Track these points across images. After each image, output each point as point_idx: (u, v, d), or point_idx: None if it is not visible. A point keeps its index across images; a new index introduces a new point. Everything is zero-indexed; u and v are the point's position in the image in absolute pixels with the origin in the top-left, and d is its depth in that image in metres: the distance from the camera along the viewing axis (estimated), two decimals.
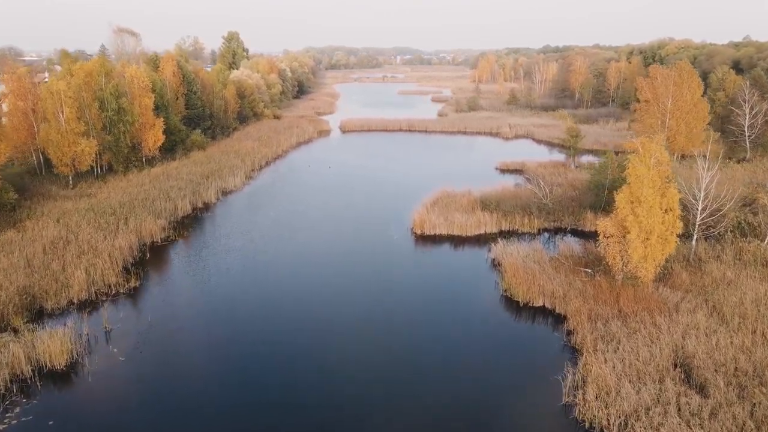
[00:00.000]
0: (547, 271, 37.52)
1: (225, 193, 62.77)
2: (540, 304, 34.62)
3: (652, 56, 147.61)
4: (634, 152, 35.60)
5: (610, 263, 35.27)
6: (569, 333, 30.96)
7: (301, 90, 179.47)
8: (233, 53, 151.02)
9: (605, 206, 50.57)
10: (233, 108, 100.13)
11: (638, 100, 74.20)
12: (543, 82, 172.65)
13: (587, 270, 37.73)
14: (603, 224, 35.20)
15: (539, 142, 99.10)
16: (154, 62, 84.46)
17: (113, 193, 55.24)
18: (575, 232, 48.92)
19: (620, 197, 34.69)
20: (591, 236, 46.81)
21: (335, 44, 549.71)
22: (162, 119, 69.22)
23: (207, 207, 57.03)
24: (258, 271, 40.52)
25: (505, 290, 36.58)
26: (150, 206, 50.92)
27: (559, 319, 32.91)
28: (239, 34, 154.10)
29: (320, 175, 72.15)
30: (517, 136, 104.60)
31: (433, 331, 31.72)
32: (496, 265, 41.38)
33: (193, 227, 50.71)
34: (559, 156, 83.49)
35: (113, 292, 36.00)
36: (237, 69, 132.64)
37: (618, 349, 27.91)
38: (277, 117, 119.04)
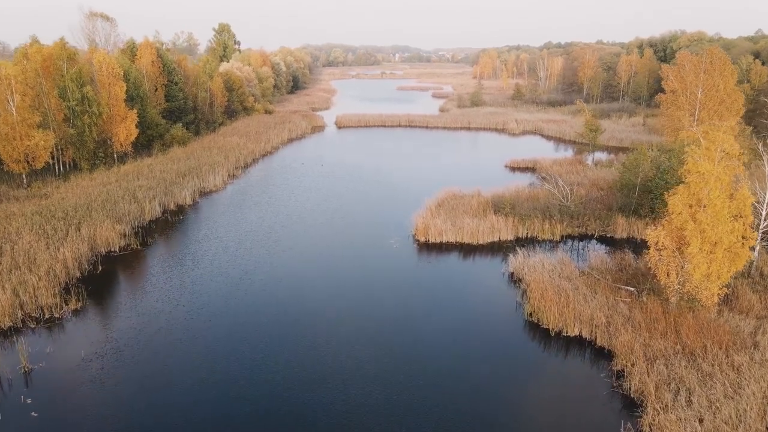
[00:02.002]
0: (581, 290, 30.63)
1: (203, 193, 55.81)
2: (575, 333, 27.72)
3: (663, 49, 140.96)
4: (694, 143, 28.67)
5: (662, 282, 28.38)
6: (619, 375, 24.08)
7: (296, 85, 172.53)
8: (224, 46, 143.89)
9: (637, 209, 43.80)
10: (220, 101, 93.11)
11: (662, 91, 67.44)
12: (548, 77, 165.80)
13: (630, 289, 30.85)
14: (654, 233, 28.27)
15: (549, 138, 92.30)
16: (131, 50, 77.37)
17: (71, 193, 48.21)
18: (604, 240, 42.05)
19: (676, 200, 27.79)
20: (624, 244, 40.12)
21: (333, 42, 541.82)
22: (135, 111, 62.19)
23: (180, 209, 50.06)
24: (230, 288, 33.56)
25: (530, 314, 29.68)
26: (111, 209, 43.91)
27: (603, 354, 26.02)
28: (230, 26, 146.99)
29: (311, 174, 65.21)
30: (524, 132, 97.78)
31: (441, 370, 24.82)
32: (515, 281, 34.49)
33: (160, 233, 43.74)
34: (573, 153, 76.66)
35: (46, 317, 29.04)
36: (228, 62, 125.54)
37: (691, 401, 21.03)
38: (268, 112, 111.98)
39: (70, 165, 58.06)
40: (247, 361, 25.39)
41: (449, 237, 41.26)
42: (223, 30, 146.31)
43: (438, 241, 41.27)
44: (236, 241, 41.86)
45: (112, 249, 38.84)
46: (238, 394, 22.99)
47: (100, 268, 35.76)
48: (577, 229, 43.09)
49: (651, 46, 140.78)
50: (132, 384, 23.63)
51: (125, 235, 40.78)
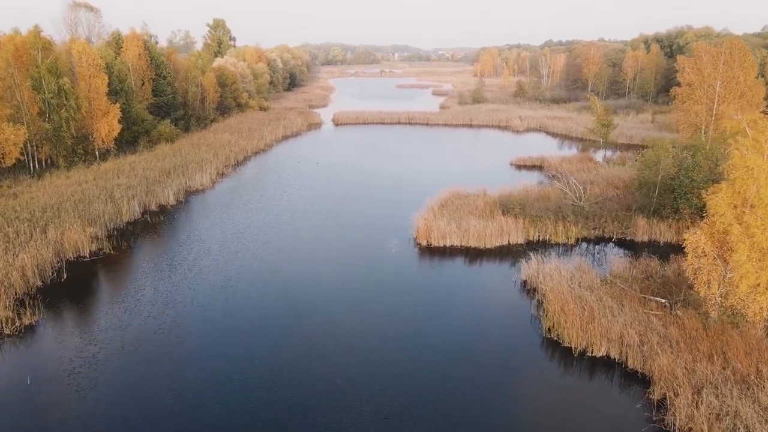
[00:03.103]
0: (605, 302, 26.93)
1: (189, 192, 52.05)
2: (602, 353, 24.00)
3: (669, 45, 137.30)
4: (737, 134, 24.98)
5: (701, 293, 24.68)
6: (660, 406, 20.36)
7: (293, 83, 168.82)
8: (219, 42, 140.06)
9: (658, 210, 40.11)
10: (212, 97, 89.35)
11: (671, 87, 63.87)
12: (551, 74, 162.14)
13: (660, 300, 27.15)
14: (693, 238, 24.56)
15: (554, 135, 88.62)
16: (117, 42, 73.59)
17: (43, 192, 44.44)
18: (623, 243, 38.35)
19: (718, 200, 24.10)
20: (646, 248, 36.45)
21: (332, 42, 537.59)
22: (118, 106, 58.46)
23: (163, 210, 46.32)
24: (209, 298, 29.81)
25: (548, 330, 25.97)
26: (84, 210, 40.17)
27: (636, 380, 22.32)
28: (225, 21, 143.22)
29: (305, 173, 61.50)
30: (528, 129, 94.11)
31: (444, 396, 21.10)
32: (529, 290, 30.78)
33: (137, 236, 40.02)
34: (582, 150, 72.99)
35: None
36: (222, 58, 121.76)
37: None
38: (263, 108, 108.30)
39: (46, 163, 54.30)
40: (220, 387, 21.65)
41: (453, 240, 37.56)
42: (217, 25, 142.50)
43: (441, 244, 37.57)
44: (220, 243, 38.15)
45: (82, 254, 35.09)
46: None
47: (65, 275, 32.00)
48: (593, 231, 39.40)
49: (657, 41, 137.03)
50: (84, 416, 19.88)
51: (97, 239, 37.04)
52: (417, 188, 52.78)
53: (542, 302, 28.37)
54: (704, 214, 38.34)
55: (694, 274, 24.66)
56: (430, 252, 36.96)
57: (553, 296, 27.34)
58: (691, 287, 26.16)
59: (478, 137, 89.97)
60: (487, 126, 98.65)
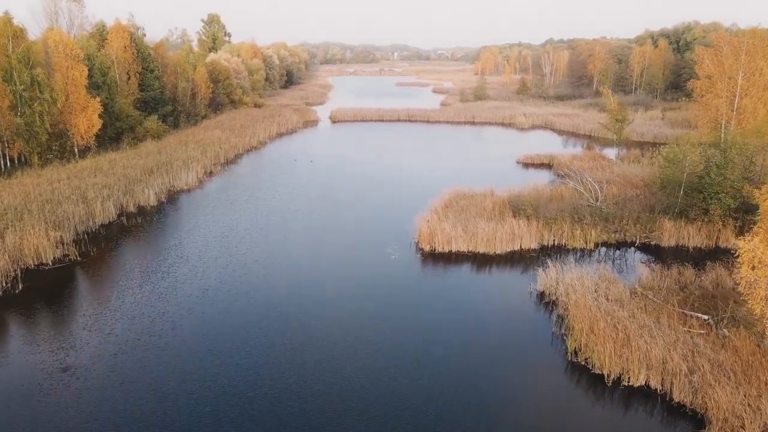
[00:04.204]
0: (638, 318, 23.18)
1: (173, 192, 48.24)
2: (641, 382, 20.22)
3: (676, 41, 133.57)
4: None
5: (756, 311, 20.91)
6: None
7: (290, 80, 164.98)
8: (213, 37, 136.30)
9: (685, 211, 36.34)
10: (204, 93, 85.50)
11: (680, 84, 60.09)
12: (554, 72, 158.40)
13: (702, 317, 23.41)
14: (749, 246, 20.78)
15: (561, 132, 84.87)
16: (101, 34, 69.76)
17: (8, 192, 40.54)
18: (648, 248, 34.62)
19: None
20: (674, 254, 32.75)
21: (331, 41, 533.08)
22: (99, 100, 54.66)
23: (142, 211, 42.54)
24: (182, 312, 26.01)
25: (575, 352, 22.19)
26: (51, 211, 36.36)
27: (685, 416, 18.56)
28: (220, 16, 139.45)
29: (299, 171, 57.77)
30: (534, 126, 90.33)
31: (455, 424, 17.38)
32: (547, 303, 27.02)
33: (110, 240, 36.22)
34: (592, 148, 69.29)
35: None
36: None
37: None
38: (258, 105, 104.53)
39: (19, 160, 50.49)
40: (185, 422, 17.86)
41: (460, 245, 33.77)
42: (212, 21, 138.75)
43: (446, 249, 33.79)
44: (201, 248, 34.37)
45: (44, 261, 31.28)
46: None
47: (20, 286, 28.19)
48: (613, 235, 35.61)
49: (666, 37, 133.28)
50: None
51: (63, 244, 33.25)
52: (418, 188, 49.08)
53: (564, 318, 24.63)
54: (737, 215, 35.10)
55: (749, 288, 20.89)
56: (434, 258, 33.19)
57: (578, 312, 23.57)
58: (738, 301, 22.48)
59: (482, 135, 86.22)
60: (490, 123, 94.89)
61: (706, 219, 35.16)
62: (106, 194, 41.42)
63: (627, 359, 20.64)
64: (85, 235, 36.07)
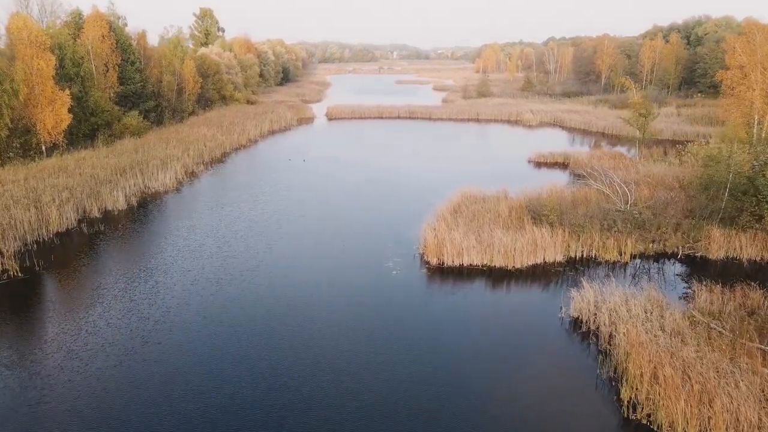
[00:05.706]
0: (712, 359, 18.03)
1: (146, 195, 43.09)
2: None
3: (687, 36, 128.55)
4: None
5: None
6: None
7: (286, 78, 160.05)
8: (206, 32, 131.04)
9: (732, 216, 31.23)
10: (192, 88, 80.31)
11: (693, 79, 55.04)
12: (558, 69, 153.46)
13: None
14: None
15: (572, 130, 79.80)
16: (77, 23, 64.55)
17: None
18: (693, 261, 29.48)
19: None
20: (725, 268, 27.67)
21: (330, 40, 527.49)
22: (68, 93, 49.48)
23: (107, 217, 37.41)
24: (136, 340, 20.84)
25: (632, 405, 17.02)
26: None
27: None
28: (213, 11, 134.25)
29: (289, 172, 52.65)
30: (542, 124, 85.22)
31: None
32: (585, 334, 21.85)
33: (63, 252, 31.05)
34: (608, 145, 64.27)
35: None
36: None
37: None
38: (251, 102, 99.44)
39: None
40: None
41: (473, 257, 28.61)
42: (205, 15, 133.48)
43: (456, 263, 28.64)
44: (170, 260, 29.23)
45: None
46: None
47: None
48: (651, 245, 30.46)
49: (678, 32, 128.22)
50: None
51: (2, 256, 28.08)
52: (422, 190, 44.02)
53: (610, 355, 19.49)
54: None
55: None
56: (442, 274, 28.03)
57: (633, 350, 18.41)
58: None
59: (488, 132, 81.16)
60: (495, 120, 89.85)
61: (759, 226, 30.10)
62: (66, 197, 36.27)
63: (707, 418, 15.50)
64: (34, 246, 30.92)
